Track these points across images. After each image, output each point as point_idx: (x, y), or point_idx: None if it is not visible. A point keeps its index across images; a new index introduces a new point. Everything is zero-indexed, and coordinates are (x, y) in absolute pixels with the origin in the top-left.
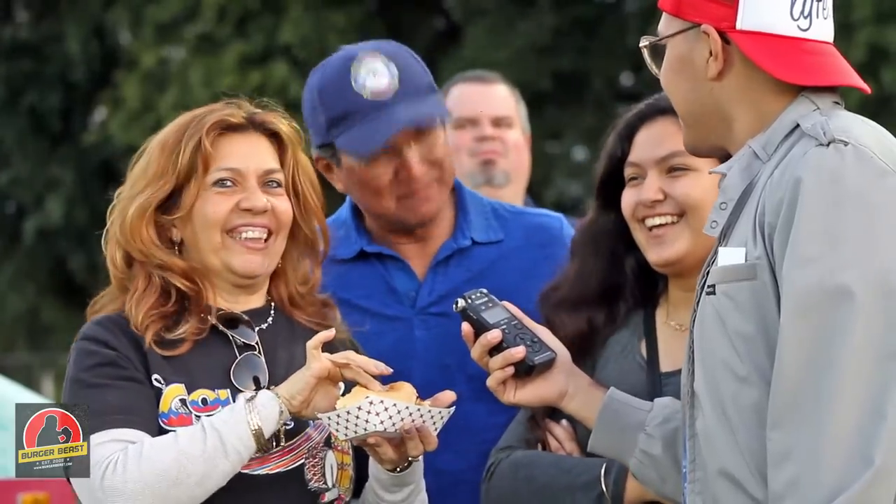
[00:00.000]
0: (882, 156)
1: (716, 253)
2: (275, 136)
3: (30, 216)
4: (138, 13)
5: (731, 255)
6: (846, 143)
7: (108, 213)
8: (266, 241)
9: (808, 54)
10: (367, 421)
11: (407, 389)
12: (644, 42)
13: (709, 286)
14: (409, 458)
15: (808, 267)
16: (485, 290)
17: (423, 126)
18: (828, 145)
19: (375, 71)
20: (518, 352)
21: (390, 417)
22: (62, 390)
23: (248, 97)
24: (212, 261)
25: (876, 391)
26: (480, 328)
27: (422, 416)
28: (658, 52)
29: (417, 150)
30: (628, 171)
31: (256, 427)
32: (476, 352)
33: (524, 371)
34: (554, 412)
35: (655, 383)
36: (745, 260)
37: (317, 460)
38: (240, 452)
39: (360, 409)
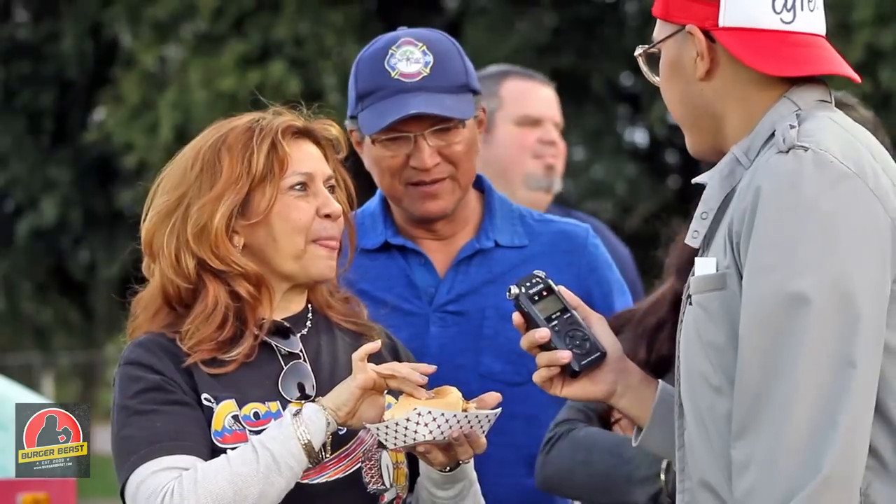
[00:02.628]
0: (843, 159)
1: (694, 263)
2: (321, 142)
3: (24, 215)
4: (136, 12)
5: (705, 265)
6: (806, 149)
7: (165, 223)
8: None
9: (793, 46)
10: (415, 432)
11: (453, 395)
12: (638, 51)
13: (688, 296)
14: (459, 462)
15: (764, 275)
16: (542, 275)
17: (436, 118)
18: (787, 152)
19: (410, 56)
20: (563, 356)
21: (438, 427)
22: (110, 416)
23: (274, 99)
24: (288, 266)
25: (829, 399)
26: (530, 322)
27: (469, 422)
28: (654, 60)
29: (433, 141)
30: None
31: (306, 441)
32: (524, 344)
33: (570, 373)
34: None
35: None
36: (717, 269)
37: (373, 462)
38: (292, 468)
39: (408, 420)
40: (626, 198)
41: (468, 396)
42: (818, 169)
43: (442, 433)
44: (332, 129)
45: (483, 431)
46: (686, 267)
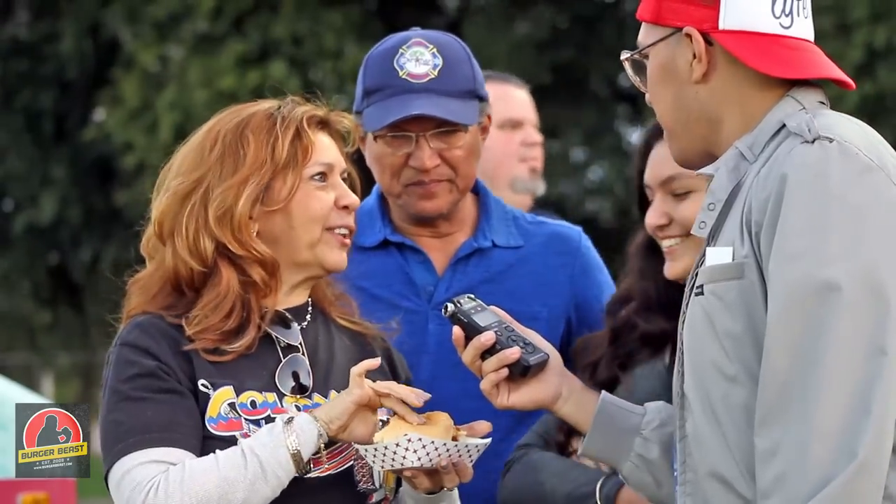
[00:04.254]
0: (867, 152)
1: (704, 254)
2: (334, 134)
3: (21, 213)
4: (136, 12)
5: (718, 255)
6: (831, 140)
7: (182, 206)
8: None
9: (791, 50)
10: (403, 457)
11: (444, 421)
12: (625, 55)
13: (697, 287)
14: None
15: (794, 262)
16: (472, 295)
17: (439, 121)
18: (813, 142)
19: (419, 57)
20: (513, 353)
21: (427, 454)
22: (101, 395)
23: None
24: (302, 255)
25: (862, 386)
26: (472, 331)
27: (458, 451)
28: (640, 65)
29: (434, 143)
30: (647, 192)
31: (295, 450)
32: (468, 355)
33: (519, 373)
34: None
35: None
36: (733, 259)
37: (364, 462)
38: (279, 477)
39: (397, 444)
40: (624, 199)
41: (467, 393)
42: (845, 160)
43: (430, 460)
44: (345, 121)
45: (471, 461)
46: (617, 307)
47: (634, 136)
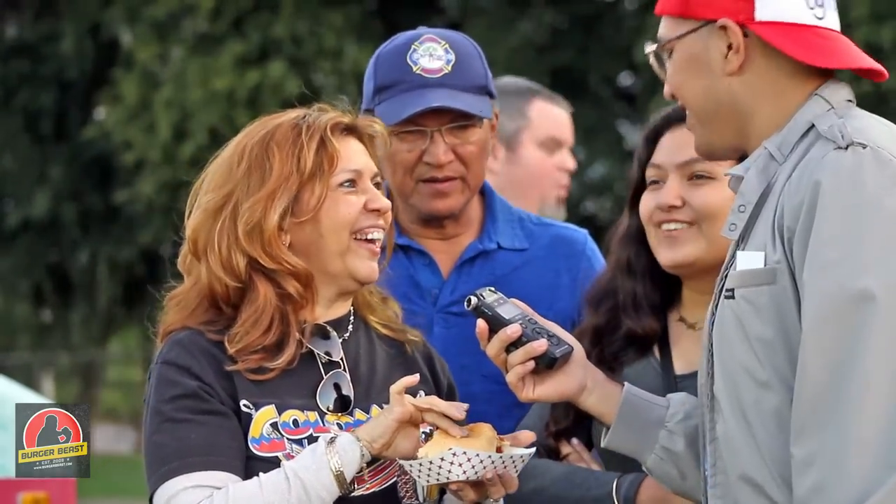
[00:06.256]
0: None
1: (734, 256)
2: (364, 139)
3: (17, 211)
4: (136, 12)
5: (749, 260)
6: (865, 146)
7: (213, 220)
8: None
9: (827, 40)
10: (449, 471)
11: (487, 433)
12: (650, 49)
13: (727, 290)
14: (490, 498)
15: (828, 271)
16: (493, 288)
17: (454, 114)
18: (846, 148)
19: (432, 52)
20: (540, 345)
21: (473, 467)
22: (143, 415)
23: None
24: (333, 264)
25: None
26: (497, 324)
27: (503, 463)
28: (663, 58)
29: (449, 139)
30: (650, 174)
31: (338, 471)
32: (493, 348)
33: (545, 365)
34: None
35: (670, 386)
36: (765, 264)
37: (408, 477)
38: (323, 499)
39: (442, 459)
40: (624, 197)
41: (471, 397)
42: (879, 167)
43: (476, 473)
44: (375, 126)
45: (516, 471)
46: (598, 301)
47: (634, 134)
